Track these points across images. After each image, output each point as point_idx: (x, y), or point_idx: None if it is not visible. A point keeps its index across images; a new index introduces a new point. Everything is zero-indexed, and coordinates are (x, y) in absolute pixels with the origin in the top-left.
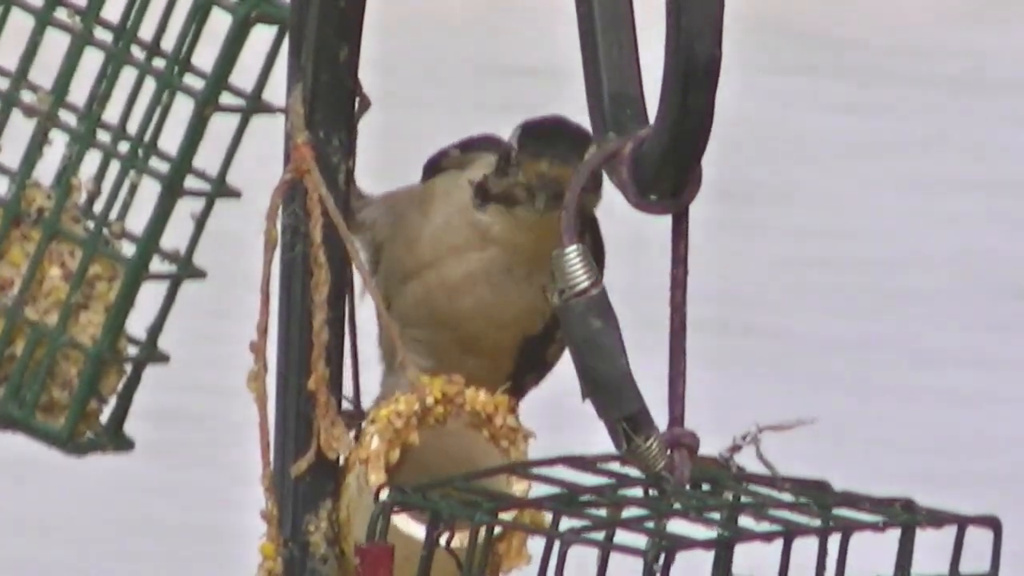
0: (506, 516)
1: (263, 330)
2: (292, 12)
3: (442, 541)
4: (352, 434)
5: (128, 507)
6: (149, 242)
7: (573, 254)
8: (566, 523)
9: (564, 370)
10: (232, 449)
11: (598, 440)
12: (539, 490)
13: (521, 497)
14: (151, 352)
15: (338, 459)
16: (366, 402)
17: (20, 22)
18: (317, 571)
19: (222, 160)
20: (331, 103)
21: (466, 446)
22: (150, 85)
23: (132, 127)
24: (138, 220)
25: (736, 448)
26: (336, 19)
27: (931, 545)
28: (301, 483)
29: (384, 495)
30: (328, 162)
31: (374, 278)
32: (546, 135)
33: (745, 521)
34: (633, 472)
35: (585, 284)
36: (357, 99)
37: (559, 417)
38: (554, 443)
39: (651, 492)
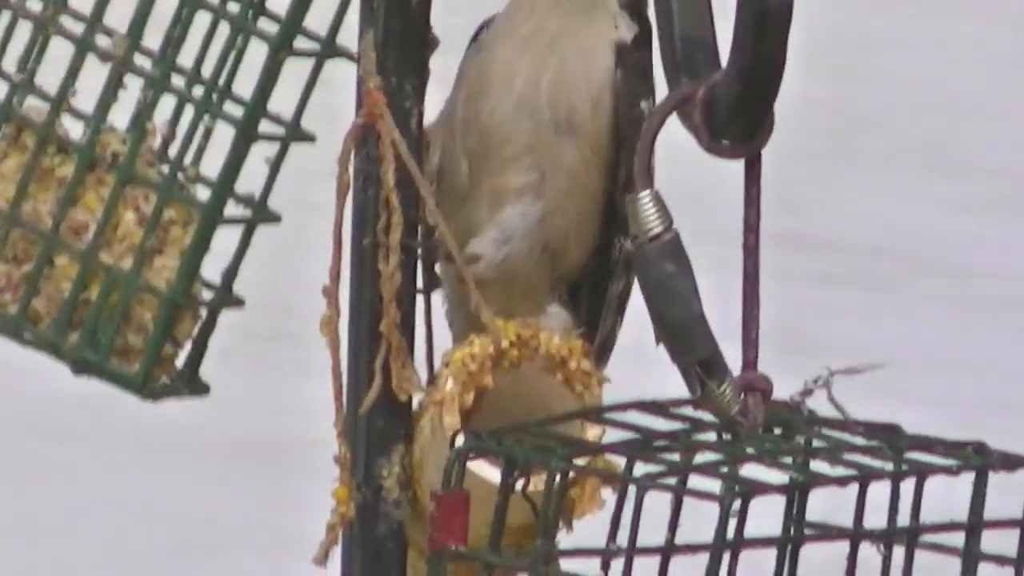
0: (580, 461)
1: (335, 275)
2: None
3: (517, 486)
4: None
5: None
6: (224, 186)
7: (646, 199)
8: (640, 468)
9: (639, 314)
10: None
11: (673, 385)
12: (613, 435)
13: (595, 442)
14: (226, 297)
15: (410, 402)
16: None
17: None
18: (390, 515)
19: (296, 104)
20: (403, 49)
21: (540, 389)
22: (224, 29)
23: (206, 71)
24: (213, 165)
25: (808, 392)
26: None
27: (1005, 487)
28: (373, 427)
29: (459, 441)
30: (400, 107)
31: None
32: None
33: (819, 465)
34: (707, 417)
35: (659, 229)
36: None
37: (634, 362)
38: (629, 387)
39: (725, 437)
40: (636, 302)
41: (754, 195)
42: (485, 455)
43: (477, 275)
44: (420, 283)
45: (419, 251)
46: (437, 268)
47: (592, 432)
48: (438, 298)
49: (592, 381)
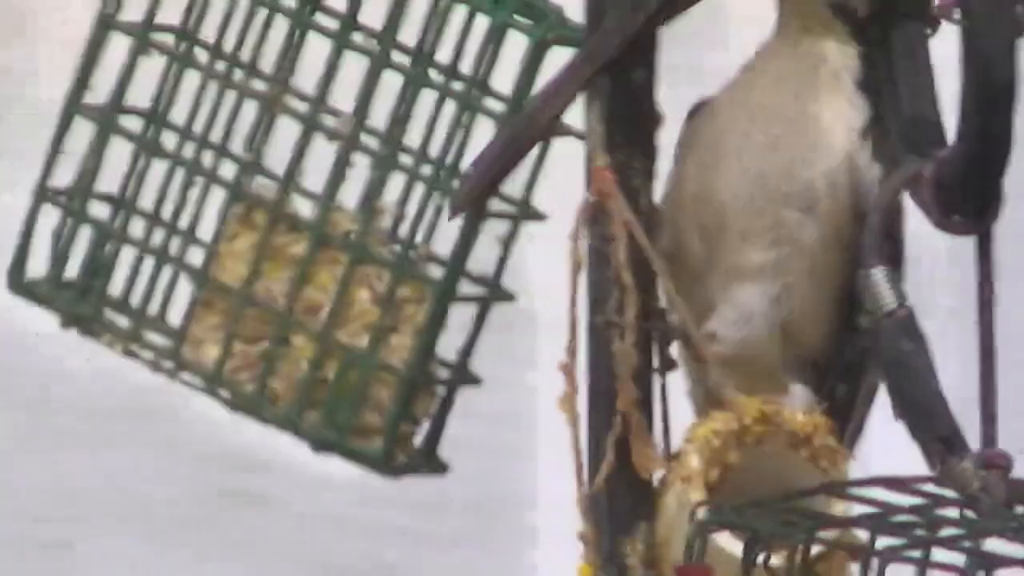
0: (825, 535)
1: (572, 351)
2: (585, 33)
3: (760, 560)
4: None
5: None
6: (456, 264)
7: (879, 275)
8: (883, 542)
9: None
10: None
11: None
12: (856, 511)
13: (838, 516)
14: (463, 374)
15: (651, 480)
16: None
17: (318, 47)
18: None
19: (526, 182)
20: (628, 125)
21: (785, 466)
22: (450, 107)
23: (433, 150)
24: (444, 244)
25: None
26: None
27: None
28: (616, 504)
29: (701, 514)
30: (629, 184)
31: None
32: None
33: None
34: (948, 493)
35: (893, 306)
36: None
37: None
38: (868, 465)
39: (966, 512)
40: None
41: (987, 271)
42: (728, 528)
43: (715, 355)
44: (656, 362)
45: (655, 331)
46: (672, 348)
47: (837, 508)
48: (673, 377)
49: (837, 457)
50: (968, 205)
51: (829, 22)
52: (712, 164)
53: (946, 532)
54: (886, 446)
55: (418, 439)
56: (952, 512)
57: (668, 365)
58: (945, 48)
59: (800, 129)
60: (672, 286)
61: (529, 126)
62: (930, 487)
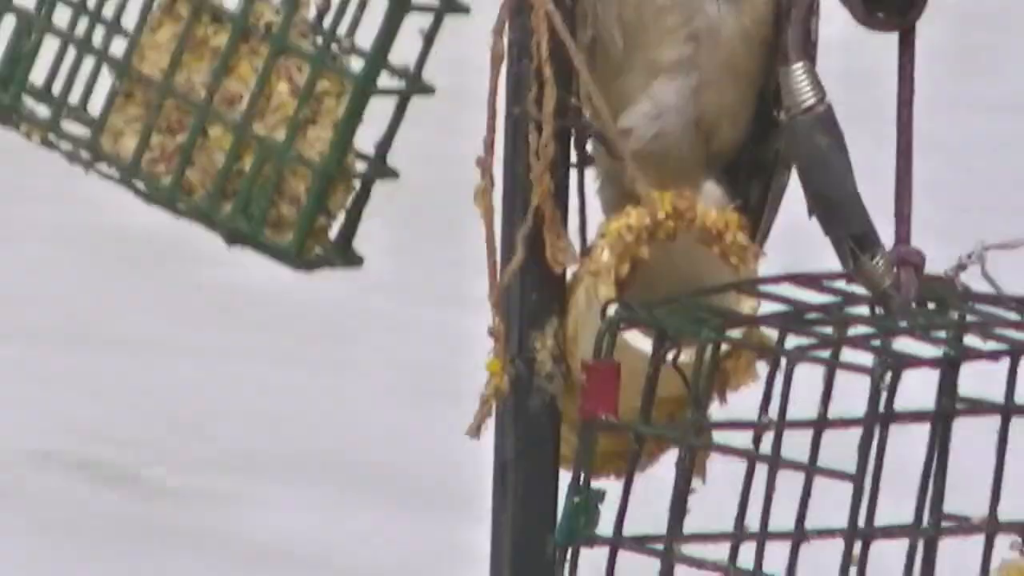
0: (734, 333)
1: (490, 145)
2: None
3: (669, 357)
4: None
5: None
6: (377, 57)
7: (799, 71)
8: (792, 341)
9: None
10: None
11: (826, 258)
12: (766, 308)
13: (748, 314)
14: (380, 168)
15: (564, 275)
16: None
17: None
18: (543, 388)
19: None
20: None
21: (696, 262)
22: None
23: None
24: (367, 36)
25: (962, 267)
26: None
27: None
28: (527, 299)
29: (611, 311)
30: None
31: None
32: None
33: (971, 340)
34: (859, 291)
35: (812, 101)
36: None
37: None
38: (783, 262)
39: (877, 310)
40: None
41: (908, 69)
42: (637, 325)
43: (629, 149)
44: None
45: (572, 127)
46: (589, 144)
47: (747, 304)
48: (591, 173)
49: (748, 255)
50: (893, 1)
51: None
52: None
53: (856, 331)
54: None
55: (334, 233)
56: (864, 311)
57: (586, 160)
58: None
59: None
60: (591, 80)
61: None
62: (842, 285)
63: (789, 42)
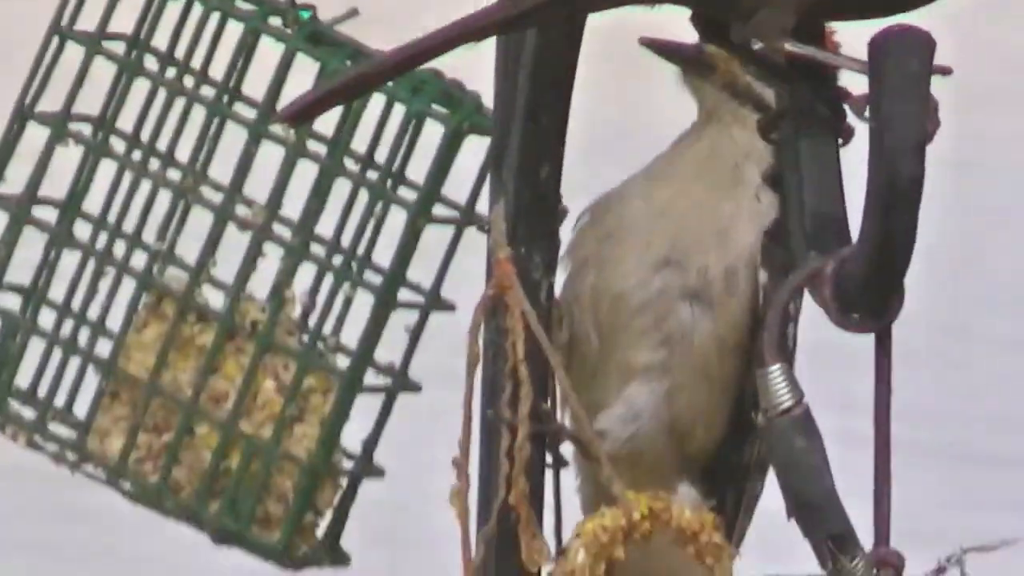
0: None
1: (465, 446)
2: (494, 131)
3: None
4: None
5: None
6: (363, 355)
7: (776, 373)
8: None
9: (769, 489)
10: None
11: (804, 558)
12: None
13: None
14: (366, 466)
15: (539, 574)
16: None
17: (234, 136)
18: None
19: (436, 273)
20: (533, 219)
21: (671, 562)
22: (363, 197)
23: (346, 240)
24: (352, 333)
25: (941, 569)
26: (538, 137)
27: None
28: None
29: None
30: (529, 278)
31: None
32: None
33: None
34: None
35: (789, 403)
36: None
37: (765, 533)
38: (760, 561)
39: None
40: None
41: (884, 369)
42: None
43: (604, 451)
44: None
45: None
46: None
47: None
48: (567, 474)
49: (723, 555)
50: (868, 303)
51: (740, 114)
52: (613, 258)
53: None
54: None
55: (321, 531)
56: None
57: (561, 461)
58: (852, 146)
59: (703, 222)
60: (568, 381)
61: (383, 67)
62: None
63: (765, 344)
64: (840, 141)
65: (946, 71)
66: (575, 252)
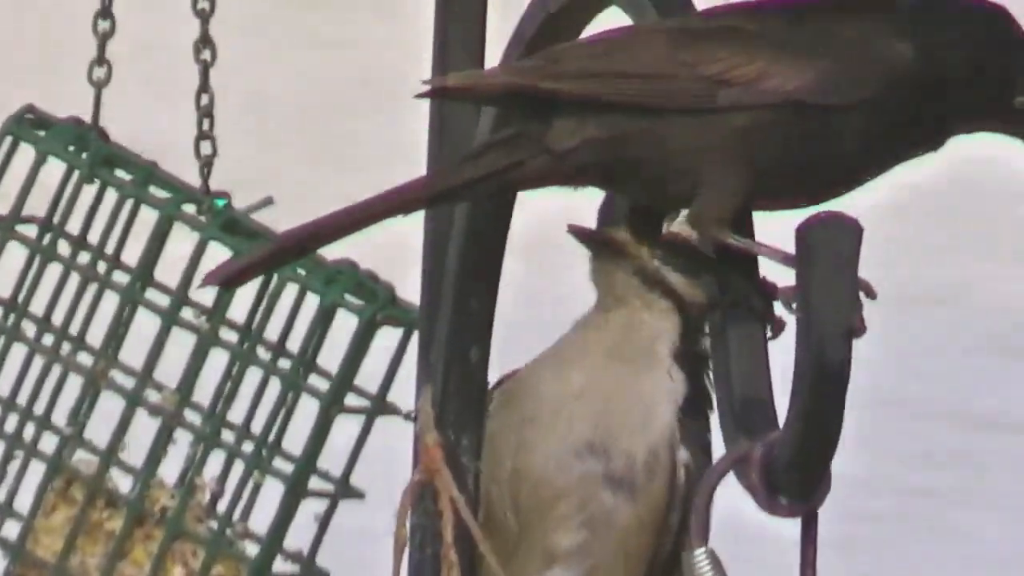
0: None
1: None
2: (422, 314)
3: None
4: None
5: None
6: (272, 543)
7: (702, 557)
8: None
9: None
10: None
11: None
12: None
13: None
14: None
15: None
16: None
17: (146, 322)
18: None
19: (346, 461)
20: (461, 404)
21: None
22: (275, 386)
23: (256, 427)
24: (262, 520)
25: None
26: (467, 321)
27: None
28: None
29: None
30: (457, 462)
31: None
32: None
33: None
34: None
35: None
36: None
37: None
38: None
39: None
40: None
41: (810, 555)
42: None
43: None
44: None
45: None
46: None
47: None
48: None
49: None
50: (795, 487)
51: (648, 299)
52: (532, 442)
53: None
54: None
55: None
56: None
57: None
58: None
59: (625, 404)
60: (499, 566)
61: (310, 236)
62: None
63: (692, 528)
64: (770, 333)
65: (871, 294)
66: (492, 435)
